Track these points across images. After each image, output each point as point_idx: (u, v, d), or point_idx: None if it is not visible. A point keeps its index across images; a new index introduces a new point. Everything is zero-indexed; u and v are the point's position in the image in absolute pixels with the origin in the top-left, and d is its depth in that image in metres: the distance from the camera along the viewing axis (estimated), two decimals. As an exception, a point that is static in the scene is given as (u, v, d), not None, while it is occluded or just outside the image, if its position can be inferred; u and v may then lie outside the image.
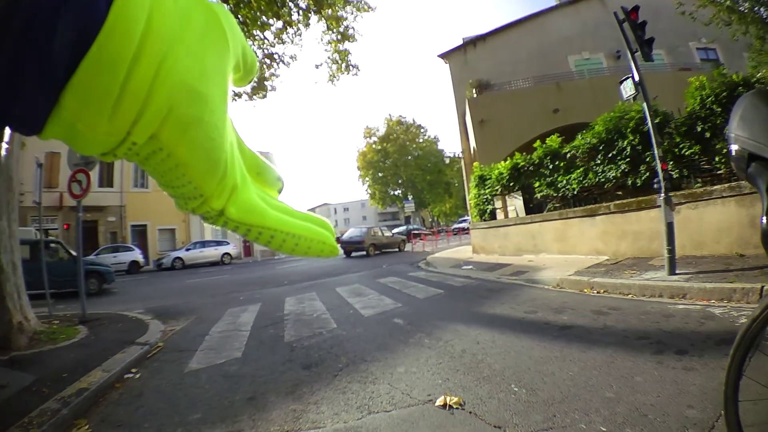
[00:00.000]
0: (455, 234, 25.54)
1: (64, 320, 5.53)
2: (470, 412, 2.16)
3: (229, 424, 2.32)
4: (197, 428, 2.32)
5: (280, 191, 0.37)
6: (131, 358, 3.74)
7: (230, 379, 3.13)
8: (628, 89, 5.85)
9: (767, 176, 0.65)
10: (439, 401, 2.30)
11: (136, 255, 19.14)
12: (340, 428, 2.16)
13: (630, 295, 4.64)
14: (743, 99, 0.71)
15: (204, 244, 22.05)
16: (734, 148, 0.71)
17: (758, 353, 1.10)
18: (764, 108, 0.69)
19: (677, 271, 4.91)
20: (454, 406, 2.23)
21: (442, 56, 19.43)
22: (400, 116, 44.34)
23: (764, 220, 0.61)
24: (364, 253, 17.17)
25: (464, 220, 28.10)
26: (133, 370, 3.54)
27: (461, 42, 19.45)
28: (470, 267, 8.91)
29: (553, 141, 9.13)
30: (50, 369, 3.42)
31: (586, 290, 5.17)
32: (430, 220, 50.25)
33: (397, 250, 19.34)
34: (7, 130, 0.30)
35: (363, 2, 10.21)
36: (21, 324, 4.30)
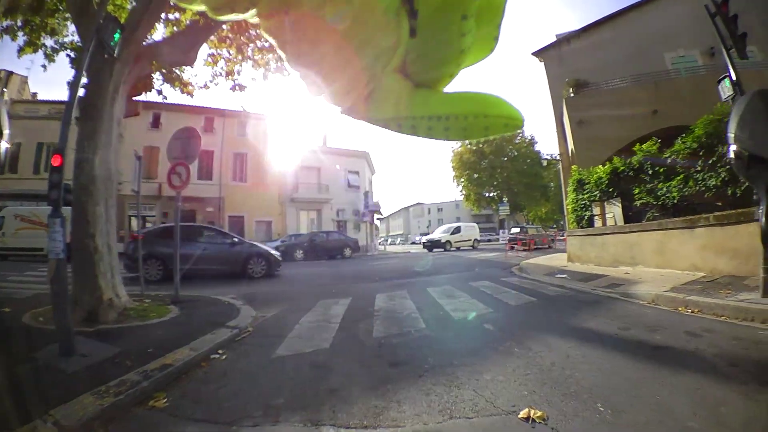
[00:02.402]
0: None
1: (157, 300, 5.87)
2: (552, 429, 2.08)
3: (309, 412, 2.38)
4: (277, 412, 2.39)
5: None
6: (220, 340, 3.86)
7: (316, 368, 3.21)
8: (726, 89, 5.38)
9: (767, 177, 0.58)
10: (522, 413, 2.23)
11: None
12: (419, 429, 2.16)
13: (723, 317, 4.33)
14: (743, 100, 0.63)
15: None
16: (734, 148, 0.63)
17: None
18: (764, 109, 0.60)
19: (770, 294, 4.51)
20: (537, 421, 2.16)
21: (536, 54, 19.04)
22: (497, 116, 43.05)
23: (764, 222, 0.54)
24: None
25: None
26: (221, 351, 3.67)
27: (555, 39, 18.93)
28: (564, 276, 8.66)
29: (650, 146, 8.75)
30: (136, 344, 3.60)
31: (680, 309, 4.90)
32: (525, 224, 48.76)
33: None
34: (6, 131, 0.30)
35: None
36: (111, 300, 4.62)
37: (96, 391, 2.48)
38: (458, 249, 26.53)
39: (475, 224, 31.45)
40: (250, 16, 0.28)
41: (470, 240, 27.84)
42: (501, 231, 33.70)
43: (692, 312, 4.70)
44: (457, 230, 27.89)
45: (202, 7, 0.28)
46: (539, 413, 2.21)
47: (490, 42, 0.33)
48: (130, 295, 5.30)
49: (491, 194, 42.21)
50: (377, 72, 0.30)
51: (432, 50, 0.30)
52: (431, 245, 26.24)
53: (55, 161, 3.45)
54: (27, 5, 6.08)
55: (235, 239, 11.18)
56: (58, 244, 3.35)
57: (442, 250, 25.50)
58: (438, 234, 27.61)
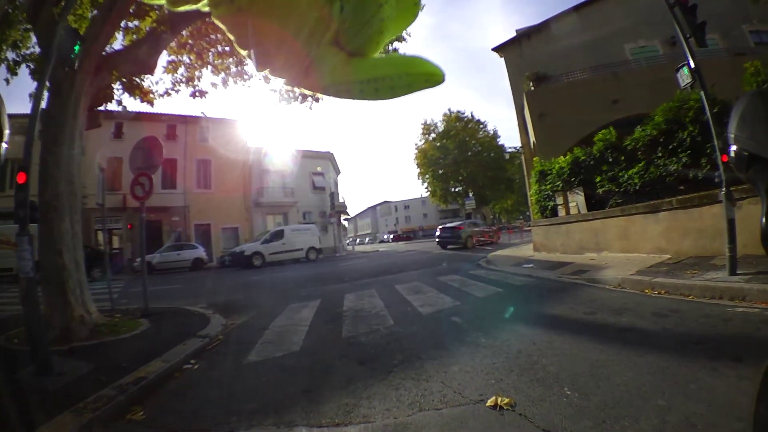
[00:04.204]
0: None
1: (127, 314, 5.74)
2: (520, 414, 2.12)
3: (282, 414, 2.39)
4: (250, 417, 2.41)
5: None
6: (191, 350, 3.84)
7: (287, 371, 3.23)
8: (684, 77, 5.59)
9: (767, 178, 0.63)
10: (490, 401, 2.27)
11: (200, 253, 19.56)
12: (389, 423, 2.18)
13: (691, 297, 4.45)
14: (743, 99, 0.69)
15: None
16: (734, 148, 0.68)
17: None
18: (764, 108, 0.65)
19: (738, 272, 4.68)
20: (505, 407, 2.20)
21: (496, 49, 19.10)
22: (459, 111, 42.61)
23: (764, 222, 0.59)
24: None
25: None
26: (193, 361, 3.65)
27: (515, 34, 19.02)
28: (531, 265, 8.77)
29: (609, 133, 8.94)
30: (110, 359, 3.57)
31: (647, 291, 5.00)
32: (491, 217, 48.96)
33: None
34: (6, 131, 0.33)
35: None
36: (82, 317, 4.52)
37: (75, 409, 2.49)
38: (288, 261, 18.83)
39: (312, 225, 22.71)
40: (203, 5, 0.33)
41: (302, 249, 19.43)
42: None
43: (659, 293, 4.81)
44: (278, 235, 19.07)
45: (162, 1, 0.33)
46: (507, 400, 2.25)
47: (412, 7, 0.38)
48: (99, 310, 5.19)
49: (457, 189, 42.20)
50: (314, 46, 0.34)
51: (357, 22, 0.34)
52: (240, 260, 17.84)
53: (21, 178, 3.38)
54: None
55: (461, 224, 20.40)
56: (28, 262, 3.28)
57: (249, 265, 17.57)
58: (247, 245, 19.29)
